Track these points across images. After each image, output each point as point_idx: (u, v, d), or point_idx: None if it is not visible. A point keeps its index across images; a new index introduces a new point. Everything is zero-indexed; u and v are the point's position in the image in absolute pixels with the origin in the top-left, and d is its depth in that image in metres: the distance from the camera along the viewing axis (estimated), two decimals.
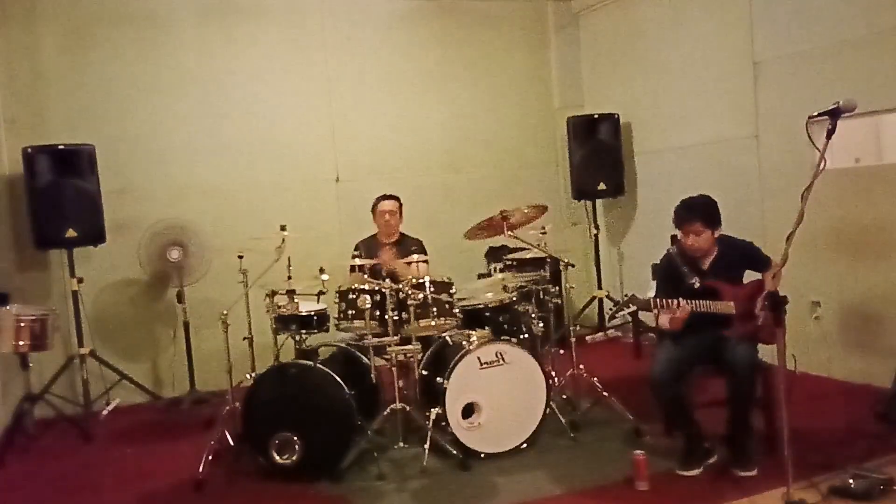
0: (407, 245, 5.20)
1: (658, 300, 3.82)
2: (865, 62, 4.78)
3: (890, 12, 4.65)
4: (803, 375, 5.00)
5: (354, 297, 4.37)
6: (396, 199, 5.29)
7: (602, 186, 6.81)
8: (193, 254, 5.64)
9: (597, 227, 7.10)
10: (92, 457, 4.76)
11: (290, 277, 4.41)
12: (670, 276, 3.99)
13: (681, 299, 3.78)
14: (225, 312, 4.38)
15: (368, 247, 5.15)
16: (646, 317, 5.85)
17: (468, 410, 4.20)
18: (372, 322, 4.32)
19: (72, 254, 5.50)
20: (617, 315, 4.07)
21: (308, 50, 6.51)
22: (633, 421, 4.43)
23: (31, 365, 5.03)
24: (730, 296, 3.85)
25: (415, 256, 4.89)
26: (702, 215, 3.88)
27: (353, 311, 4.37)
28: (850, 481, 3.33)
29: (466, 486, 3.86)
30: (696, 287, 3.86)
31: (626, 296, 3.90)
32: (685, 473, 3.75)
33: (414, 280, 4.41)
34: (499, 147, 7.20)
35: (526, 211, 4.67)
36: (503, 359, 4.25)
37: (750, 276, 4.05)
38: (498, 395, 4.22)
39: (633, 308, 3.90)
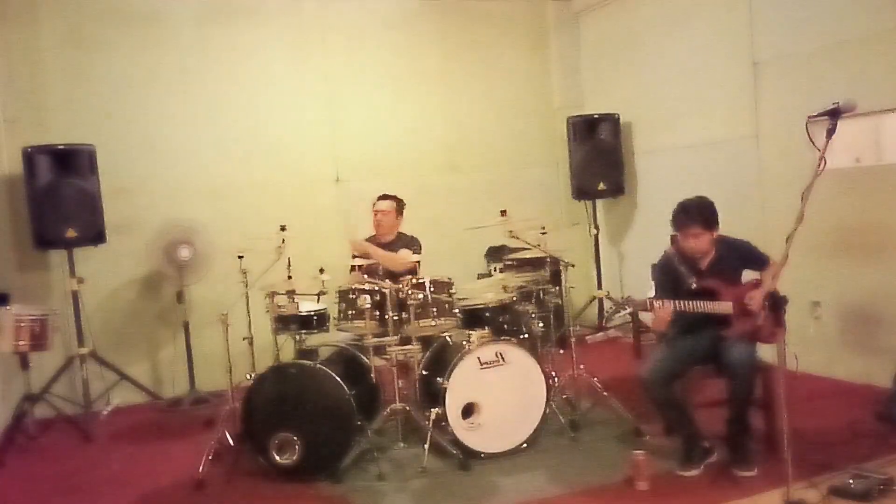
0: (399, 243, 5.19)
1: (652, 301, 3.82)
2: (865, 62, 4.78)
3: (890, 12, 4.65)
4: (803, 375, 5.00)
5: (354, 297, 4.37)
6: (394, 199, 5.27)
7: (602, 186, 6.82)
8: (202, 253, 5.64)
9: (597, 227, 7.10)
10: (92, 457, 4.75)
11: (290, 277, 4.41)
12: (669, 278, 4.00)
13: (665, 300, 3.77)
14: (225, 312, 4.37)
15: None
16: (646, 317, 5.85)
17: (468, 410, 4.20)
18: (372, 322, 4.32)
19: (72, 254, 5.50)
20: (614, 317, 4.09)
21: (308, 50, 6.51)
22: (633, 421, 4.43)
23: (31, 365, 5.03)
24: (728, 296, 3.85)
25: (401, 250, 4.92)
26: (700, 218, 3.87)
27: (353, 311, 4.38)
28: (850, 481, 3.33)
29: (466, 486, 3.86)
30: (693, 287, 3.87)
31: (622, 297, 3.91)
32: (685, 474, 3.75)
33: (409, 277, 4.42)
34: (499, 147, 7.20)
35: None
36: (503, 359, 4.25)
37: (748, 275, 4.05)
38: (498, 395, 4.22)
39: (629, 310, 3.92)
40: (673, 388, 3.79)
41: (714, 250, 3.97)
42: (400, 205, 5.28)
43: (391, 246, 5.19)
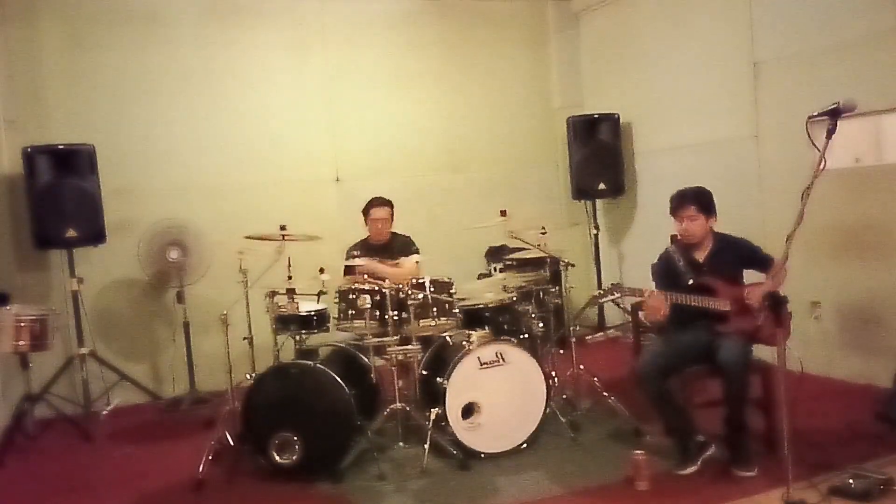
0: (395, 247, 5.14)
1: (635, 288, 3.87)
2: (865, 62, 4.78)
3: (890, 12, 4.65)
4: (803, 375, 4.99)
5: (354, 297, 4.37)
6: (389, 204, 5.18)
7: (602, 186, 6.82)
8: (193, 254, 5.64)
9: (597, 227, 7.10)
10: (92, 457, 4.76)
11: (290, 277, 4.42)
12: (668, 273, 4.03)
13: (659, 291, 3.83)
14: (225, 312, 4.38)
15: (363, 250, 5.12)
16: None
17: (468, 410, 4.20)
18: (372, 322, 4.32)
19: (72, 254, 5.51)
20: (600, 300, 4.14)
21: (308, 50, 6.51)
22: (633, 421, 4.43)
23: (31, 365, 5.03)
24: (725, 294, 3.86)
25: (402, 258, 4.91)
26: (695, 200, 3.98)
27: (353, 311, 4.37)
28: (850, 481, 3.34)
29: (466, 486, 3.86)
30: (690, 283, 3.88)
31: (610, 284, 3.99)
32: (683, 472, 3.74)
33: (413, 280, 4.42)
34: (499, 147, 7.20)
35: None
36: (503, 359, 4.25)
37: (751, 276, 4.05)
38: (498, 395, 4.22)
39: (616, 296, 3.98)
40: (666, 382, 3.79)
41: (712, 245, 4.00)
42: (393, 208, 5.20)
43: (387, 248, 5.14)
